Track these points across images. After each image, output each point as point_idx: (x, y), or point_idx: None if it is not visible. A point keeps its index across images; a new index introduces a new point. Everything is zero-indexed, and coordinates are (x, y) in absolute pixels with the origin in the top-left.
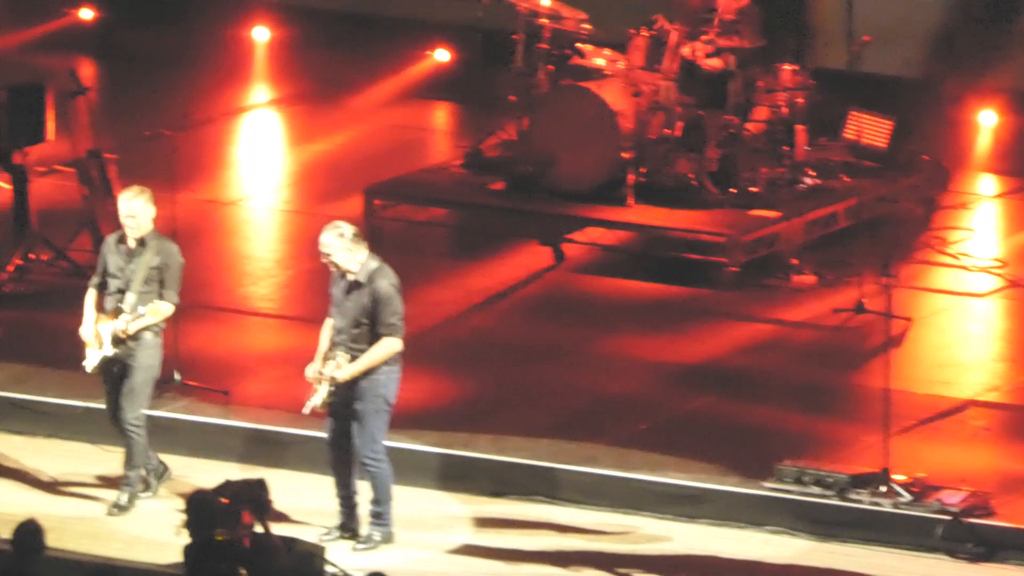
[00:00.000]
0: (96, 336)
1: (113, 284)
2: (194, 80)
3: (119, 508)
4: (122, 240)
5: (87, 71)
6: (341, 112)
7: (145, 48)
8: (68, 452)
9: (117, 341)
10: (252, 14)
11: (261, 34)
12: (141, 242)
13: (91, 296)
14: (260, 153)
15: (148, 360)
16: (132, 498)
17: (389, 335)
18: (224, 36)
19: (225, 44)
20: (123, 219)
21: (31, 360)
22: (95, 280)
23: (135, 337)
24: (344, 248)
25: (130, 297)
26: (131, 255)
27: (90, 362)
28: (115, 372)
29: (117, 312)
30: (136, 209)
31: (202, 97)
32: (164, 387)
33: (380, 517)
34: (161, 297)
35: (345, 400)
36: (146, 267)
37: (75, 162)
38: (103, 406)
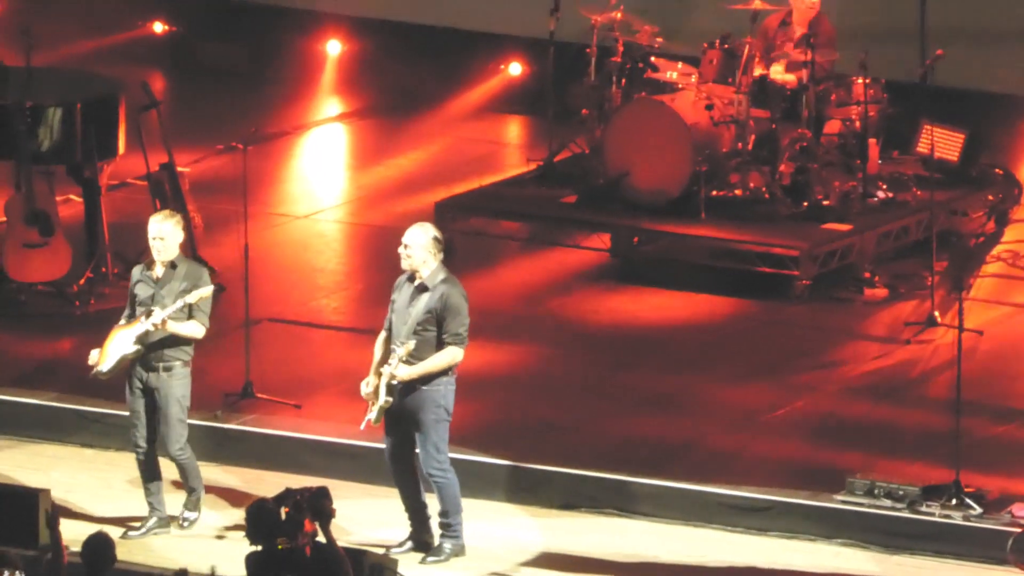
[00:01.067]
0: (118, 343)
1: (141, 311)
2: (266, 93)
3: (187, 521)
4: (148, 268)
5: (158, 84)
6: (413, 125)
7: (217, 61)
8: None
9: (142, 339)
10: (325, 27)
11: (334, 47)
12: (171, 266)
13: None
14: (332, 166)
15: (180, 390)
16: (195, 506)
17: (454, 344)
18: (296, 49)
19: (297, 57)
20: (151, 240)
21: None
22: (127, 312)
23: (167, 367)
24: (425, 247)
25: (158, 311)
26: (159, 282)
27: (106, 367)
28: (145, 402)
29: (145, 314)
30: (165, 231)
31: (274, 111)
32: (238, 400)
33: (450, 528)
34: (191, 319)
35: (402, 412)
36: (177, 292)
37: (147, 175)
38: None
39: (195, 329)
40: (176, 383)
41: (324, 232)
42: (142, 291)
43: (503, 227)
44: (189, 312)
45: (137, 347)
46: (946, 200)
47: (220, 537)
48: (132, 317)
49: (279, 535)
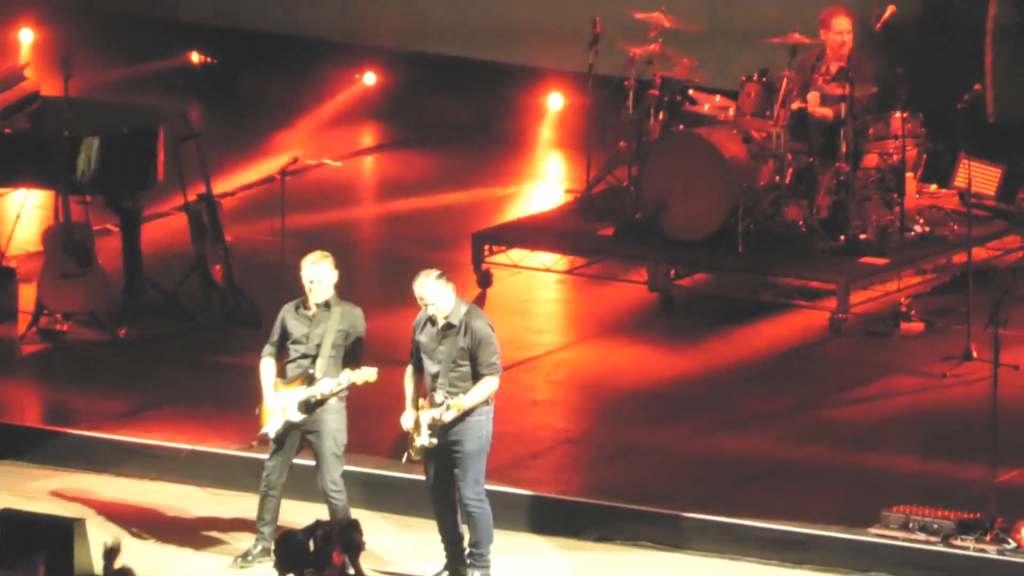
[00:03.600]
0: (282, 407)
1: (296, 350)
2: (304, 125)
3: (243, 559)
4: (301, 305)
5: (195, 115)
6: (451, 157)
7: (255, 93)
8: (175, 495)
9: (305, 407)
10: (361, 59)
11: (370, 79)
12: (325, 306)
13: (268, 365)
14: (370, 197)
15: (336, 424)
16: (263, 554)
17: (491, 374)
18: (334, 81)
19: (335, 89)
20: (306, 284)
21: (139, 402)
22: (269, 349)
23: (320, 402)
24: (442, 291)
25: (320, 363)
26: (314, 320)
27: (272, 427)
28: (294, 436)
29: (305, 378)
30: (320, 274)
31: (312, 142)
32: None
33: (480, 559)
34: (351, 364)
35: (444, 444)
36: (334, 332)
37: (185, 206)
38: (209, 449)
39: (359, 380)
40: (331, 417)
41: (361, 264)
42: (296, 328)
43: (540, 259)
44: (345, 351)
45: (304, 416)
46: (983, 235)
47: (249, 567)
48: (279, 349)
49: (307, 567)
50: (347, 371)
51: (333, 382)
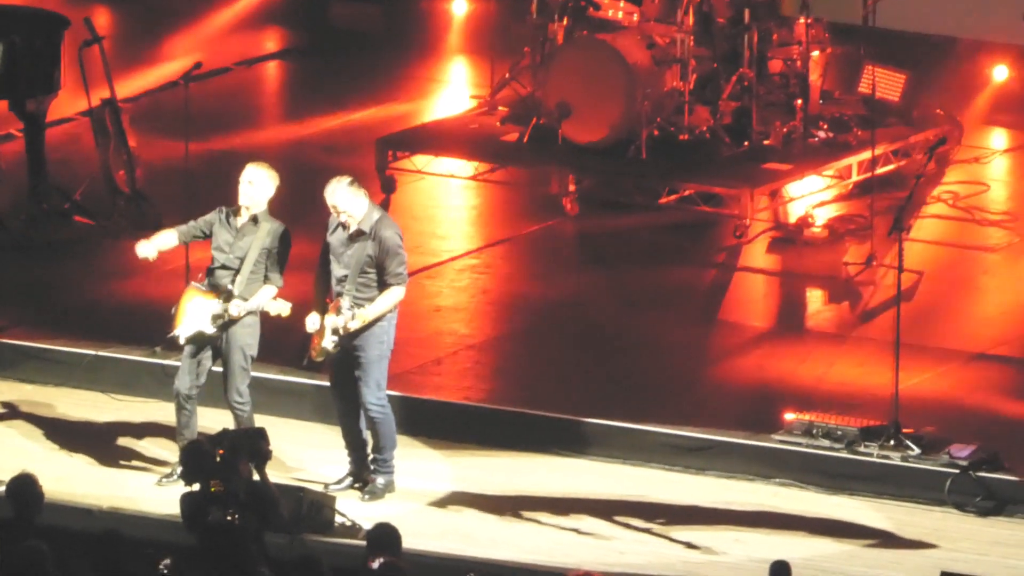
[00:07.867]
0: (196, 315)
1: (219, 258)
2: (207, 28)
3: (167, 478)
4: (232, 214)
5: (102, 19)
6: (354, 62)
7: None
8: (78, 401)
9: (217, 319)
10: None
11: None
12: (254, 220)
13: (169, 234)
14: (273, 103)
15: (247, 339)
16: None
17: (397, 284)
18: None
19: None
20: (241, 184)
21: (42, 307)
22: (181, 227)
23: (233, 321)
24: (354, 198)
25: (239, 280)
26: (241, 232)
27: (184, 331)
28: (206, 344)
29: (223, 292)
30: (256, 176)
31: (215, 46)
32: (177, 336)
33: (384, 464)
34: (267, 280)
35: (347, 349)
36: (257, 250)
37: (89, 111)
38: (113, 354)
39: (270, 293)
40: (243, 331)
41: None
42: (220, 235)
43: (444, 165)
44: (266, 268)
45: (215, 330)
46: (887, 140)
47: (158, 475)
48: (187, 236)
49: (214, 477)
50: (262, 295)
51: (246, 304)
